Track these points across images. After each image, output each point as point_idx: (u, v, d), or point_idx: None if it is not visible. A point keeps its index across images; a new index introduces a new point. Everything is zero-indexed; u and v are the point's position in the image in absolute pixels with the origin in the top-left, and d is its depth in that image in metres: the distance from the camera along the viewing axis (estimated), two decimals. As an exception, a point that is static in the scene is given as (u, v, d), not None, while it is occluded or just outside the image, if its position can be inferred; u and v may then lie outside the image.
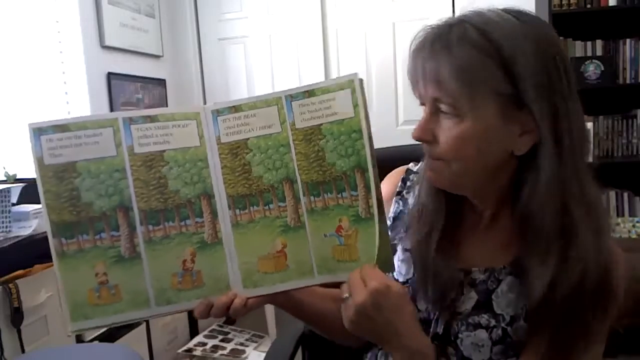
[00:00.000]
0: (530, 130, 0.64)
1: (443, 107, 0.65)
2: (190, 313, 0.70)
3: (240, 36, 2.91)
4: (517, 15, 0.65)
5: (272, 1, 2.83)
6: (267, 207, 0.71)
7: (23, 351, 1.42)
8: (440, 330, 0.71)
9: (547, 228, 0.64)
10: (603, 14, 2.56)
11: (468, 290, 0.71)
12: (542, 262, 0.64)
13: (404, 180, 0.84)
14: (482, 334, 0.68)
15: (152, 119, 0.68)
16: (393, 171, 0.87)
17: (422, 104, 0.69)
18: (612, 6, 2.49)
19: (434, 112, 0.66)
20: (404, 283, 0.77)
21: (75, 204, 0.67)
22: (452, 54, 0.62)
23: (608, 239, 0.66)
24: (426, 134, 0.67)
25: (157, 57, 2.81)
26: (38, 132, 0.66)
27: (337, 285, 0.70)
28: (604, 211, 0.68)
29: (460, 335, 0.70)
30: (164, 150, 0.69)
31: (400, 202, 0.83)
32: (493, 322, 0.68)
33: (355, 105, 0.66)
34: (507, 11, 0.65)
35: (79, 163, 0.67)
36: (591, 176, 0.67)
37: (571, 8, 2.52)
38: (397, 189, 0.84)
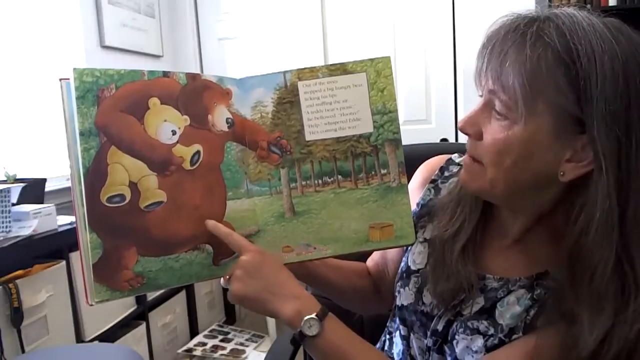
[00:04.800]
0: (580, 159, 0.58)
1: (497, 104, 0.60)
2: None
3: (240, 36, 2.92)
4: (614, 30, 0.58)
5: (272, 1, 2.83)
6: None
7: (23, 351, 1.42)
8: (440, 327, 0.71)
9: (602, 280, 0.57)
10: (603, 14, 2.56)
11: (477, 295, 0.68)
12: (593, 317, 0.57)
13: (442, 170, 0.81)
14: (479, 340, 0.66)
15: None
16: (432, 158, 0.84)
17: (481, 95, 0.65)
18: (612, 6, 2.48)
19: (487, 108, 0.62)
20: (414, 272, 0.76)
21: None
22: (524, 51, 0.57)
23: None
24: (472, 126, 0.64)
25: (157, 57, 2.81)
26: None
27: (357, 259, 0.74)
28: None
29: (456, 337, 0.69)
30: None
31: (432, 191, 0.80)
32: (491, 331, 0.66)
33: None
34: (604, 23, 0.59)
35: None
36: None
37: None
38: (433, 177, 0.81)
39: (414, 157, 0.84)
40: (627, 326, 0.56)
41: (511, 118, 0.59)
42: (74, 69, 0.62)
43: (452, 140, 2.63)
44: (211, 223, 0.67)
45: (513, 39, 0.58)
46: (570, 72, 0.56)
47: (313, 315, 0.63)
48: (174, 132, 0.66)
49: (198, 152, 0.67)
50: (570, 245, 0.60)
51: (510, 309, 0.66)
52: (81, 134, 0.62)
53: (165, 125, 0.66)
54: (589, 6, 0.61)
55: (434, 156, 0.85)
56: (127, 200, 0.63)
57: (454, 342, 0.69)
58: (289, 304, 0.64)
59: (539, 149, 0.59)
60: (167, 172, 0.65)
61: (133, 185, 0.64)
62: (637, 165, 0.56)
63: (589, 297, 0.58)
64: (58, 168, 2.08)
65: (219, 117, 0.69)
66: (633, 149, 0.56)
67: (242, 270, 0.65)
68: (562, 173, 0.60)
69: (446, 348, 0.70)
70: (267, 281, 0.65)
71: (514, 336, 0.64)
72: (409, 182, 0.75)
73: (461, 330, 0.68)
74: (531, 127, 0.58)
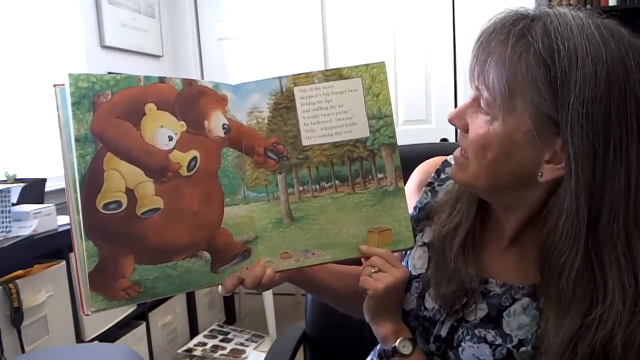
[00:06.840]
0: (559, 161, 0.58)
1: (482, 100, 0.61)
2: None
3: (240, 36, 2.92)
4: (605, 32, 0.56)
5: (272, 1, 2.83)
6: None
7: (23, 351, 1.42)
8: (444, 333, 0.70)
9: (567, 282, 0.57)
10: (603, 14, 2.56)
11: (479, 300, 0.68)
12: (559, 319, 0.58)
13: (438, 172, 0.81)
14: (486, 349, 0.66)
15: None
16: (428, 160, 0.84)
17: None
18: (612, 6, 2.48)
19: (476, 102, 0.63)
20: (415, 277, 0.76)
21: None
22: (506, 50, 0.57)
23: None
24: (459, 120, 0.65)
25: (157, 57, 2.81)
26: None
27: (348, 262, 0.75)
28: None
29: (462, 344, 0.68)
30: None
31: (429, 193, 0.80)
32: (499, 341, 0.65)
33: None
34: (598, 24, 0.57)
35: None
36: None
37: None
38: (429, 180, 0.81)
39: (414, 157, 0.84)
40: (593, 331, 0.56)
41: (492, 114, 0.60)
42: (70, 74, 0.61)
43: (452, 140, 2.63)
44: (364, 247, 0.71)
45: (498, 37, 0.58)
46: (550, 72, 0.55)
47: (408, 337, 0.72)
48: (170, 138, 0.65)
49: (195, 158, 0.66)
50: (540, 245, 0.61)
51: (517, 319, 0.65)
52: (77, 140, 0.61)
53: (162, 130, 0.65)
54: (588, 6, 0.61)
55: (434, 156, 0.85)
56: (123, 207, 0.62)
57: (460, 348, 0.68)
58: (392, 323, 0.72)
59: (518, 148, 0.59)
60: (164, 179, 0.64)
61: (130, 192, 0.63)
62: (615, 171, 0.55)
63: (555, 299, 0.59)
64: (58, 168, 2.08)
65: (216, 123, 0.68)
66: (611, 154, 0.55)
67: (395, 280, 0.69)
68: (540, 174, 0.59)
69: (451, 354, 0.70)
70: (398, 299, 0.74)
71: (522, 348, 0.64)
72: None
73: (468, 337, 0.68)
74: (510, 125, 0.59)
